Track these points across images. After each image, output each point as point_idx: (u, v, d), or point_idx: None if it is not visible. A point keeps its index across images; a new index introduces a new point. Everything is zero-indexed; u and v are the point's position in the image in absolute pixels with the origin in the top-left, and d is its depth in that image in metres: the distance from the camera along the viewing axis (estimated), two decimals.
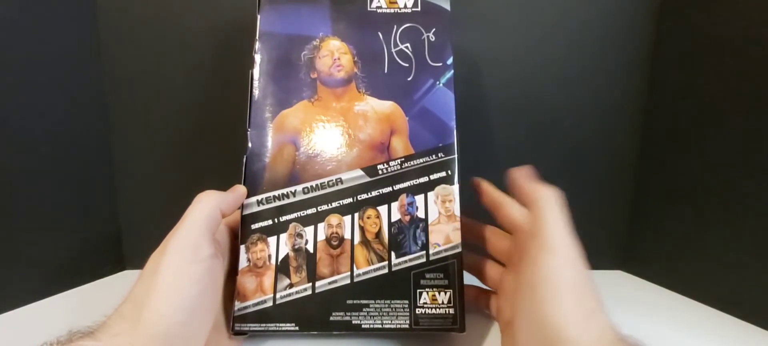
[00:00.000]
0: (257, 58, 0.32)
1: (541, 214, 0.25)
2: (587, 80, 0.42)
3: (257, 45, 0.32)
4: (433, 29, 0.33)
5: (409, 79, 0.32)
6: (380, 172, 0.30)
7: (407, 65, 0.32)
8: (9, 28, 0.34)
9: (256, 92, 0.31)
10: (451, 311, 0.28)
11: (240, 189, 0.29)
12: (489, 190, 0.30)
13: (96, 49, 0.40)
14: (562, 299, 0.22)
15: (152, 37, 0.41)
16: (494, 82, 0.42)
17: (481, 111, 0.43)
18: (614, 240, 0.44)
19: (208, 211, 0.26)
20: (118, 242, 0.43)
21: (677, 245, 0.39)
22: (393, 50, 0.32)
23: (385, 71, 0.32)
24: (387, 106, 0.31)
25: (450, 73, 0.32)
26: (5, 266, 0.34)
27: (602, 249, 0.44)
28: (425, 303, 0.28)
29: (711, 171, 0.36)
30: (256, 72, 0.31)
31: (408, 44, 0.32)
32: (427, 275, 0.28)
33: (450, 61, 0.32)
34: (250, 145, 0.30)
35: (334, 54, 0.32)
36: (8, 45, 0.34)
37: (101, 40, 0.41)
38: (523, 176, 0.28)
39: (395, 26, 0.33)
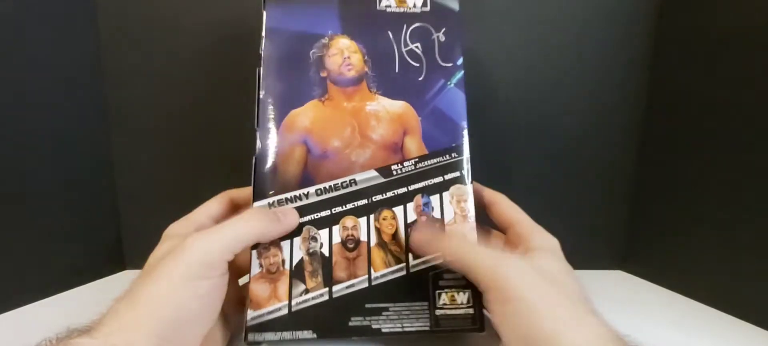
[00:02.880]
0: (264, 55, 0.30)
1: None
2: (587, 80, 0.42)
3: (264, 42, 0.31)
4: (443, 29, 0.33)
5: (420, 79, 0.32)
6: (394, 172, 0.30)
7: (418, 65, 0.32)
8: (9, 28, 0.33)
9: (264, 91, 0.30)
10: (471, 311, 0.28)
11: (291, 217, 0.27)
12: (479, 188, 0.31)
13: (96, 49, 0.40)
14: (536, 320, 0.22)
15: (152, 37, 0.40)
16: (493, 82, 0.43)
17: (481, 111, 0.43)
18: (614, 240, 0.44)
19: (245, 236, 0.25)
20: (118, 242, 0.42)
21: (677, 245, 0.39)
22: (403, 50, 0.32)
23: (396, 71, 0.32)
24: (399, 106, 0.31)
25: (460, 74, 0.32)
26: (6, 266, 0.33)
27: (602, 249, 0.44)
28: (445, 304, 0.28)
29: (711, 171, 0.36)
30: (263, 70, 0.30)
31: (418, 44, 0.32)
32: (446, 276, 0.28)
33: (460, 61, 0.32)
34: (259, 145, 0.29)
35: (344, 53, 0.31)
36: (8, 45, 0.33)
37: (101, 40, 0.40)
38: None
39: (405, 26, 0.32)
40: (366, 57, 0.32)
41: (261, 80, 0.30)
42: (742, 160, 0.34)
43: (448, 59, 0.32)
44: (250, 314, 0.26)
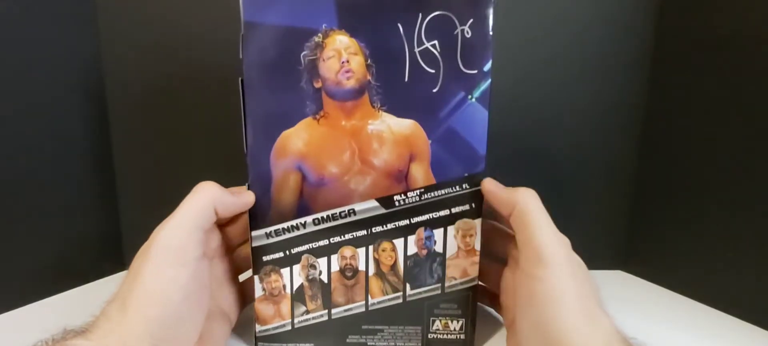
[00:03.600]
0: (246, 60, 0.25)
1: (526, 222, 0.24)
2: (587, 80, 0.41)
3: (243, 42, 0.25)
4: (471, 20, 0.25)
5: (434, 90, 0.26)
6: (397, 203, 0.27)
7: (433, 71, 0.26)
8: (9, 28, 0.33)
9: (250, 108, 0.26)
10: (462, 336, 0.29)
11: (247, 196, 0.27)
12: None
13: (96, 49, 0.39)
14: (562, 309, 0.22)
15: (152, 37, 0.40)
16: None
17: None
18: (614, 240, 0.43)
19: (200, 207, 0.24)
20: (118, 242, 0.43)
21: (677, 245, 0.39)
22: (416, 50, 0.25)
23: (406, 79, 0.26)
24: (406, 125, 0.26)
25: (486, 84, 0.26)
26: (5, 266, 0.35)
27: (602, 249, 0.43)
28: (437, 329, 0.29)
29: (711, 171, 0.36)
30: (246, 79, 0.26)
31: (436, 42, 0.25)
32: (442, 305, 0.29)
33: (488, 66, 0.25)
34: (250, 173, 0.27)
35: (341, 55, 0.25)
36: (8, 45, 0.33)
37: (101, 40, 0.40)
38: (492, 185, 0.27)
39: (420, 15, 0.25)
40: (369, 61, 0.26)
41: (245, 94, 0.26)
42: (742, 160, 0.33)
43: (472, 64, 0.25)
44: (258, 328, 0.29)
